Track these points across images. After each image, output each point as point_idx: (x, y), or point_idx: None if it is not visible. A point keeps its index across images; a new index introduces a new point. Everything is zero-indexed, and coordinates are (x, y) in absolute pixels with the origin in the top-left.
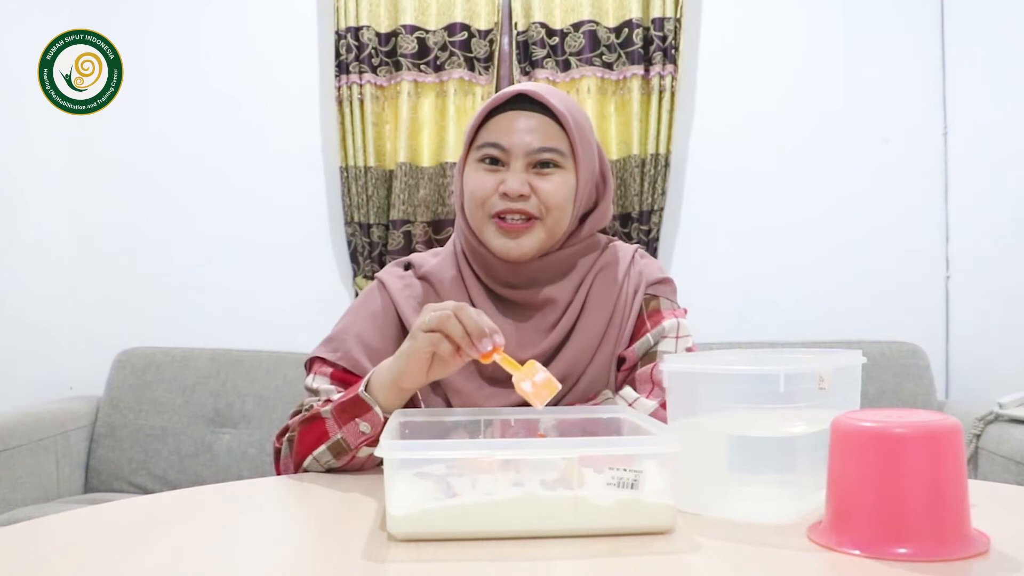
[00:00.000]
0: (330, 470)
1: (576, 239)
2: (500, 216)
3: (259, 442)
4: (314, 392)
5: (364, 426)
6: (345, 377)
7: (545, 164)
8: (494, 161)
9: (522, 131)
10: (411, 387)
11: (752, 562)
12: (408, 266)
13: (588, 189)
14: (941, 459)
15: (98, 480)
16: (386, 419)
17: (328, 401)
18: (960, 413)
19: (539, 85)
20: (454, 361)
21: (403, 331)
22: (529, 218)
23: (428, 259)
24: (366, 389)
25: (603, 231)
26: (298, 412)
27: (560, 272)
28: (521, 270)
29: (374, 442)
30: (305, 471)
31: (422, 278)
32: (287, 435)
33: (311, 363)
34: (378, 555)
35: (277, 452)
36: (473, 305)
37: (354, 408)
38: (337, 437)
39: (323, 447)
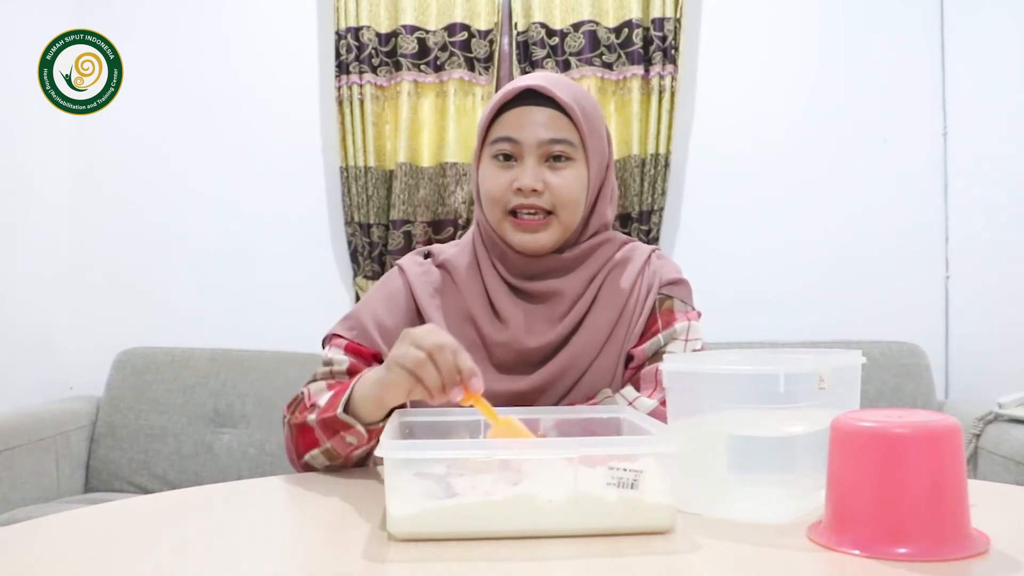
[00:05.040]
0: (331, 467)
1: (590, 228)
2: (516, 213)
3: (259, 442)
4: (328, 363)
5: (350, 439)
6: (359, 349)
7: (557, 157)
8: (507, 156)
9: (532, 124)
10: (394, 405)
11: (752, 562)
12: (428, 255)
13: (600, 177)
14: (941, 459)
15: (98, 480)
16: (370, 431)
17: (313, 406)
18: (960, 413)
19: (546, 77)
20: (431, 399)
21: (417, 314)
22: (545, 214)
23: (447, 249)
24: (350, 399)
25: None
26: (313, 381)
27: (574, 265)
28: (537, 263)
29: (368, 446)
30: (309, 466)
31: (440, 266)
32: (286, 419)
33: (329, 339)
34: (378, 555)
35: (284, 423)
36: (487, 293)
37: (336, 424)
38: (327, 446)
39: (316, 451)
